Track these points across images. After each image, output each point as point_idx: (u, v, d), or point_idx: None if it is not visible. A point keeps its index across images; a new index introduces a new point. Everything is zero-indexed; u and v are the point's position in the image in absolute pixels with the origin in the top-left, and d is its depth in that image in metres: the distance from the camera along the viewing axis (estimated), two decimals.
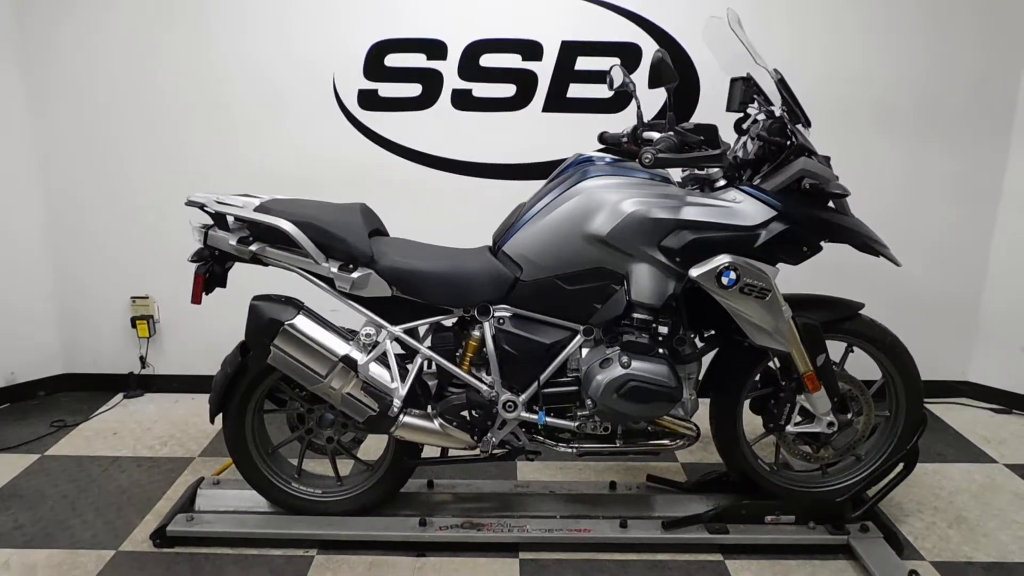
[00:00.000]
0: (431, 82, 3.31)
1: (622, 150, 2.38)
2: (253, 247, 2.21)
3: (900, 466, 2.44)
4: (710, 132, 2.16)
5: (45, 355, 3.63)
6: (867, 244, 2.19)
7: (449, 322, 2.34)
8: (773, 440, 2.53)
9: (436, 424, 2.30)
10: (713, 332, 2.41)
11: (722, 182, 2.19)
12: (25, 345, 3.56)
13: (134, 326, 3.57)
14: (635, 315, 2.20)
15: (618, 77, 2.19)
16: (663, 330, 2.19)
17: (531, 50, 3.27)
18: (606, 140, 2.46)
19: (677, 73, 2.01)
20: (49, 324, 3.60)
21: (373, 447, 2.63)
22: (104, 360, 3.67)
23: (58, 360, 3.67)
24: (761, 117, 2.23)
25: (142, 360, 3.65)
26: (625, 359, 2.15)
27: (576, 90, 3.31)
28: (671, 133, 2.07)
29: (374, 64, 3.30)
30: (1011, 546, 2.45)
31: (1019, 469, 2.95)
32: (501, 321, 2.27)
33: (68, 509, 2.63)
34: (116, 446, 3.12)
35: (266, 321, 2.21)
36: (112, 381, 3.67)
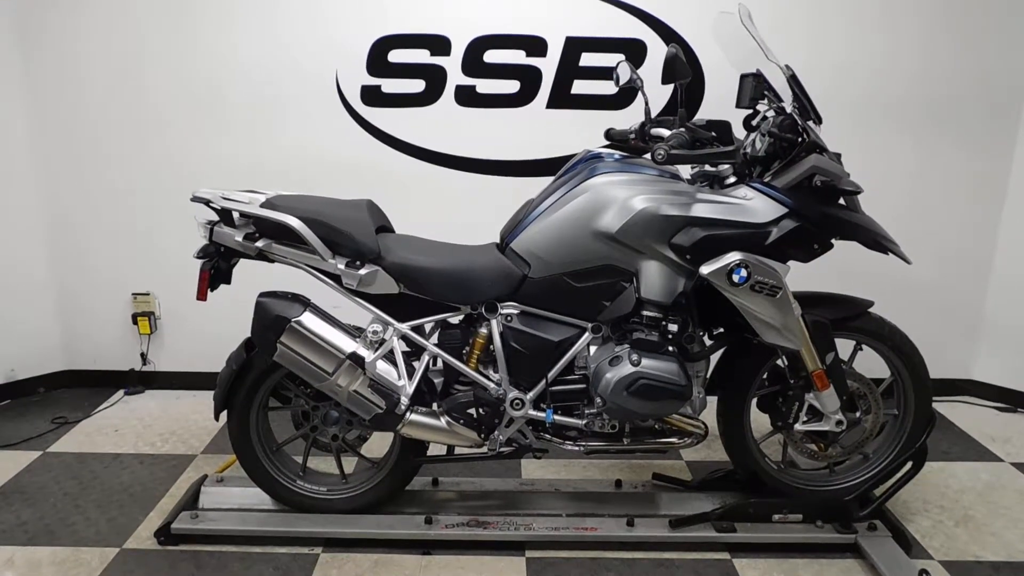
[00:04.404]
0: (435, 78, 3.29)
1: (629, 147, 2.36)
2: (259, 243, 2.19)
3: (908, 465, 2.43)
4: (722, 128, 2.14)
5: (45, 351, 3.61)
6: (877, 242, 2.18)
7: (456, 319, 2.33)
8: (780, 438, 2.52)
9: (443, 422, 2.29)
10: (721, 330, 2.40)
11: (732, 179, 2.18)
12: (25, 342, 3.53)
13: (135, 322, 3.55)
14: (645, 313, 2.19)
15: (625, 73, 2.18)
16: (673, 328, 2.18)
17: (535, 46, 3.26)
18: (613, 136, 2.45)
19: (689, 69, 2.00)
20: (49, 320, 3.58)
21: (378, 445, 2.62)
22: (105, 356, 3.65)
23: (58, 356, 3.65)
24: (771, 114, 2.21)
25: (143, 357, 3.63)
26: (635, 357, 2.14)
27: (580, 86, 3.30)
28: (683, 129, 2.06)
29: (377, 60, 3.28)
30: (1019, 545, 2.44)
31: None
32: (509, 318, 2.25)
33: (71, 506, 2.61)
34: (118, 443, 3.11)
35: (273, 318, 2.19)
36: (113, 378, 3.65)
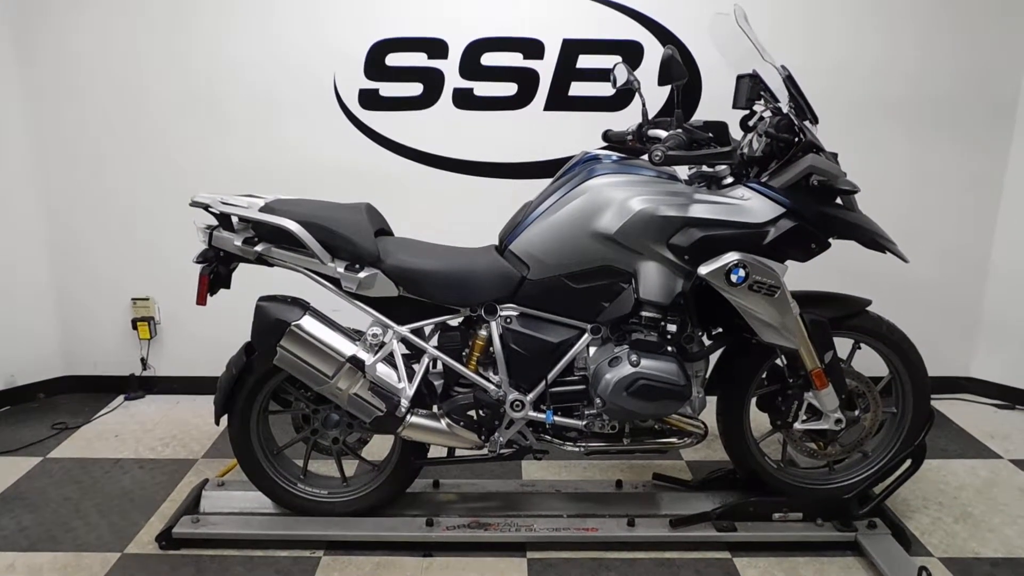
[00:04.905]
0: (432, 81, 3.30)
1: (626, 148, 2.37)
2: (258, 247, 2.19)
3: (907, 462, 2.43)
4: (719, 129, 2.15)
5: (45, 357, 3.61)
6: (875, 240, 2.19)
7: (455, 321, 2.34)
8: (779, 437, 2.53)
9: (443, 424, 2.29)
10: (720, 330, 2.41)
11: (730, 179, 2.19)
12: (25, 347, 3.53)
13: (135, 327, 3.55)
14: (643, 313, 2.19)
15: (622, 75, 2.19)
16: (672, 328, 2.19)
17: (532, 48, 3.27)
18: (610, 138, 2.46)
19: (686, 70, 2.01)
20: (49, 326, 3.58)
21: (378, 447, 2.62)
22: (105, 362, 3.65)
23: (58, 362, 3.65)
24: (768, 114, 2.22)
25: (143, 362, 3.63)
26: (634, 357, 2.15)
27: (578, 88, 3.31)
28: (680, 130, 2.07)
29: (375, 64, 3.29)
30: (1017, 541, 2.45)
31: (1023, 464, 2.96)
32: (508, 320, 2.26)
33: (72, 511, 2.61)
34: (118, 448, 3.11)
35: (272, 322, 2.19)
36: (113, 383, 3.65)
